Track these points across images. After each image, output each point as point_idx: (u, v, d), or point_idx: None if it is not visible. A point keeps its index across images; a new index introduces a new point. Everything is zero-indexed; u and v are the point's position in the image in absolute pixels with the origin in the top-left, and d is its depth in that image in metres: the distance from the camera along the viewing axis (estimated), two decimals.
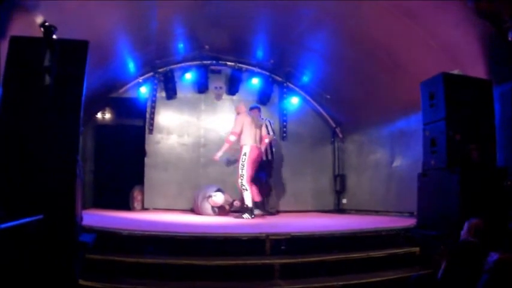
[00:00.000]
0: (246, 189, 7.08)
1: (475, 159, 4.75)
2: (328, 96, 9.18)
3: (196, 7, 6.81)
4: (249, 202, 7.10)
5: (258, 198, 7.41)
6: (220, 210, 7.77)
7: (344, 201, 9.57)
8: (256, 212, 7.41)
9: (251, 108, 7.86)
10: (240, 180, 7.14)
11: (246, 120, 7.33)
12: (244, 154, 7.18)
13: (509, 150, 5.05)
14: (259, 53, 8.78)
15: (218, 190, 7.76)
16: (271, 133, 7.92)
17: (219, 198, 7.65)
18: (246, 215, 7.02)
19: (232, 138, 7.40)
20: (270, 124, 8.03)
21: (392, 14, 5.75)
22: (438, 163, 4.85)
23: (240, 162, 7.19)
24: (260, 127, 7.58)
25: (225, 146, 7.60)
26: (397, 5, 5.60)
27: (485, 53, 5.22)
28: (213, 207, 7.72)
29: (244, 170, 7.12)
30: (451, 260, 3.04)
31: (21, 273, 2.98)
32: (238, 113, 7.67)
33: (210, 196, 7.68)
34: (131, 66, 8.17)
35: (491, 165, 4.84)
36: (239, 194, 7.56)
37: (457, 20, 5.15)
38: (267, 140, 7.78)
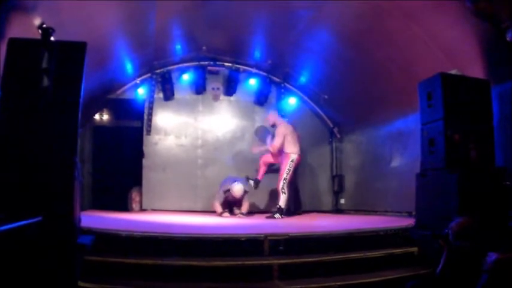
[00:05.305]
0: (285, 193, 7.66)
1: (473, 159, 4.75)
2: (326, 97, 9.17)
3: (194, 8, 6.80)
4: (283, 204, 7.60)
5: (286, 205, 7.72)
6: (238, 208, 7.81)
7: (342, 201, 9.54)
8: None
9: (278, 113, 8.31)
10: (281, 184, 7.64)
11: (288, 130, 7.77)
12: (292, 161, 7.71)
13: (507, 150, 5.05)
14: (257, 54, 8.75)
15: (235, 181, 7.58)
16: None
17: (238, 188, 7.45)
18: (277, 215, 7.48)
19: (271, 150, 7.87)
20: None
21: (391, 15, 5.76)
22: (436, 163, 4.85)
23: (287, 167, 7.69)
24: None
25: (264, 148, 8.10)
26: (396, 6, 5.61)
27: (483, 53, 5.23)
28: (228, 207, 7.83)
29: (289, 175, 7.68)
30: (448, 261, 3.03)
31: (20, 275, 2.97)
32: (273, 125, 8.06)
33: (228, 190, 7.51)
34: (129, 67, 8.15)
35: (490, 165, 4.84)
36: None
37: (456, 20, 5.15)
38: None
